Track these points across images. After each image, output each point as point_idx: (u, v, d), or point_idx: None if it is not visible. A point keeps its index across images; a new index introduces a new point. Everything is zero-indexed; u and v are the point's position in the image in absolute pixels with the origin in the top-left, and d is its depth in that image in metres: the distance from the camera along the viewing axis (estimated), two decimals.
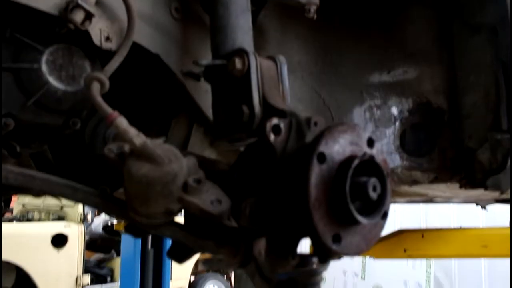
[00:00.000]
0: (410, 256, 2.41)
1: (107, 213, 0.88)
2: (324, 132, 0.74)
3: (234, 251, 0.89)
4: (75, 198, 0.86)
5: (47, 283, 5.99)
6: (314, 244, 0.82)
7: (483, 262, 7.94)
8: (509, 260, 2.38)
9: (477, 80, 1.28)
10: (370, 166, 0.77)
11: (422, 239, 2.39)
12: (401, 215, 5.20)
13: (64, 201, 6.45)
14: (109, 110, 0.79)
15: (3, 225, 6.14)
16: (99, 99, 0.81)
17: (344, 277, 9.48)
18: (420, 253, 2.41)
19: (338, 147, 0.74)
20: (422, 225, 6.28)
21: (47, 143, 1.06)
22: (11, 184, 0.82)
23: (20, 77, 0.89)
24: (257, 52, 0.90)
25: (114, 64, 0.90)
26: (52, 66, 0.91)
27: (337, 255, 0.79)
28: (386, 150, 1.34)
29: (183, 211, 0.86)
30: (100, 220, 8.01)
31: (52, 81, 0.91)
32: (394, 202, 2.82)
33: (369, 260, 9.10)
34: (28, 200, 7.24)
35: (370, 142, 0.80)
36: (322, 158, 0.72)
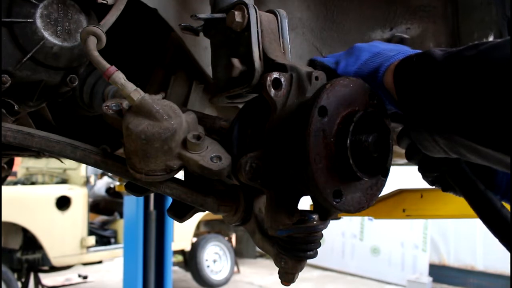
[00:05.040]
0: (408, 217, 2.42)
1: (107, 171, 0.87)
2: (325, 85, 0.72)
3: (234, 208, 0.89)
4: (75, 156, 0.85)
5: (53, 244, 6.12)
6: (314, 200, 0.81)
7: (478, 225, 8.05)
8: None
9: (481, 37, 1.25)
10: (372, 121, 0.76)
11: (421, 199, 2.39)
12: (400, 179, 5.21)
13: (67, 164, 6.49)
14: (106, 65, 0.78)
15: (8, 188, 6.20)
16: (96, 53, 0.79)
17: (343, 239, 9.67)
18: (419, 213, 2.41)
19: (340, 101, 0.73)
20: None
21: (45, 101, 1.05)
22: (10, 142, 0.81)
23: (14, 33, 0.87)
24: (257, 7, 0.88)
25: (110, 18, 0.87)
26: (47, 20, 0.88)
27: (338, 211, 0.79)
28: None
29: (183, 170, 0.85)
30: (103, 183, 8.08)
31: (48, 36, 0.89)
32: (394, 163, 2.81)
33: (367, 222, 9.25)
34: (31, 164, 7.29)
35: (373, 97, 0.78)
36: (323, 111, 0.70)
